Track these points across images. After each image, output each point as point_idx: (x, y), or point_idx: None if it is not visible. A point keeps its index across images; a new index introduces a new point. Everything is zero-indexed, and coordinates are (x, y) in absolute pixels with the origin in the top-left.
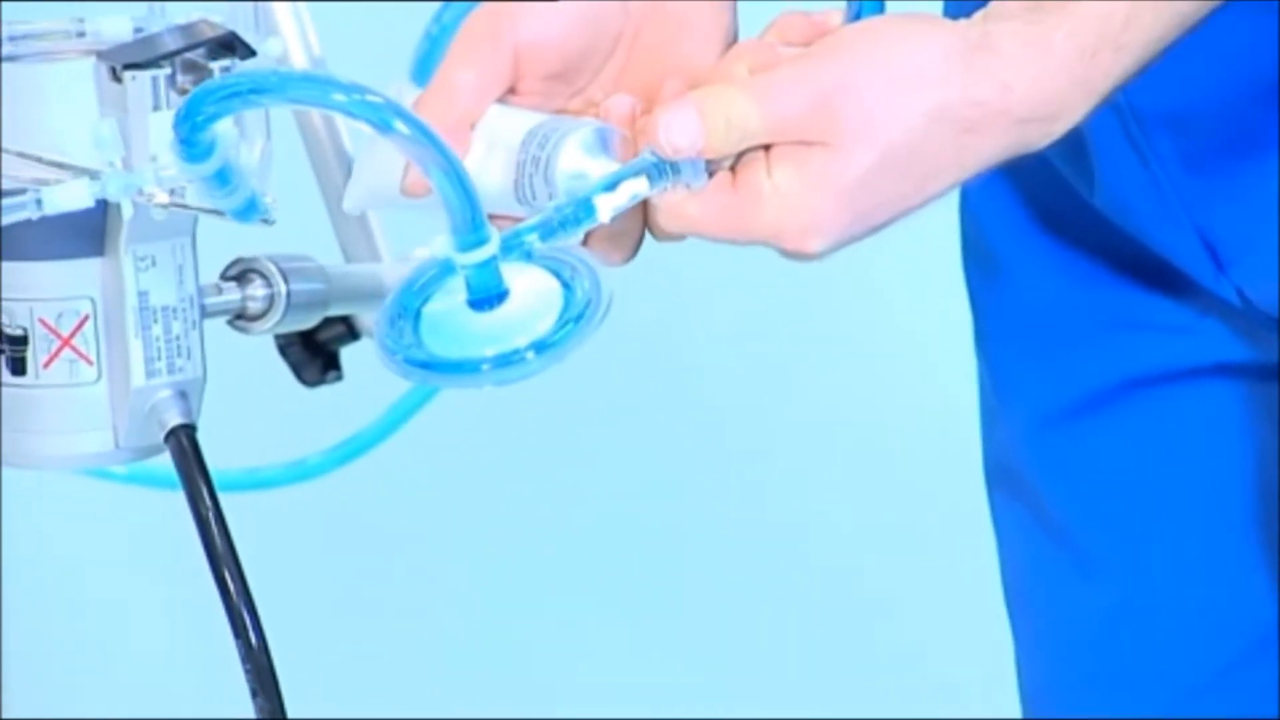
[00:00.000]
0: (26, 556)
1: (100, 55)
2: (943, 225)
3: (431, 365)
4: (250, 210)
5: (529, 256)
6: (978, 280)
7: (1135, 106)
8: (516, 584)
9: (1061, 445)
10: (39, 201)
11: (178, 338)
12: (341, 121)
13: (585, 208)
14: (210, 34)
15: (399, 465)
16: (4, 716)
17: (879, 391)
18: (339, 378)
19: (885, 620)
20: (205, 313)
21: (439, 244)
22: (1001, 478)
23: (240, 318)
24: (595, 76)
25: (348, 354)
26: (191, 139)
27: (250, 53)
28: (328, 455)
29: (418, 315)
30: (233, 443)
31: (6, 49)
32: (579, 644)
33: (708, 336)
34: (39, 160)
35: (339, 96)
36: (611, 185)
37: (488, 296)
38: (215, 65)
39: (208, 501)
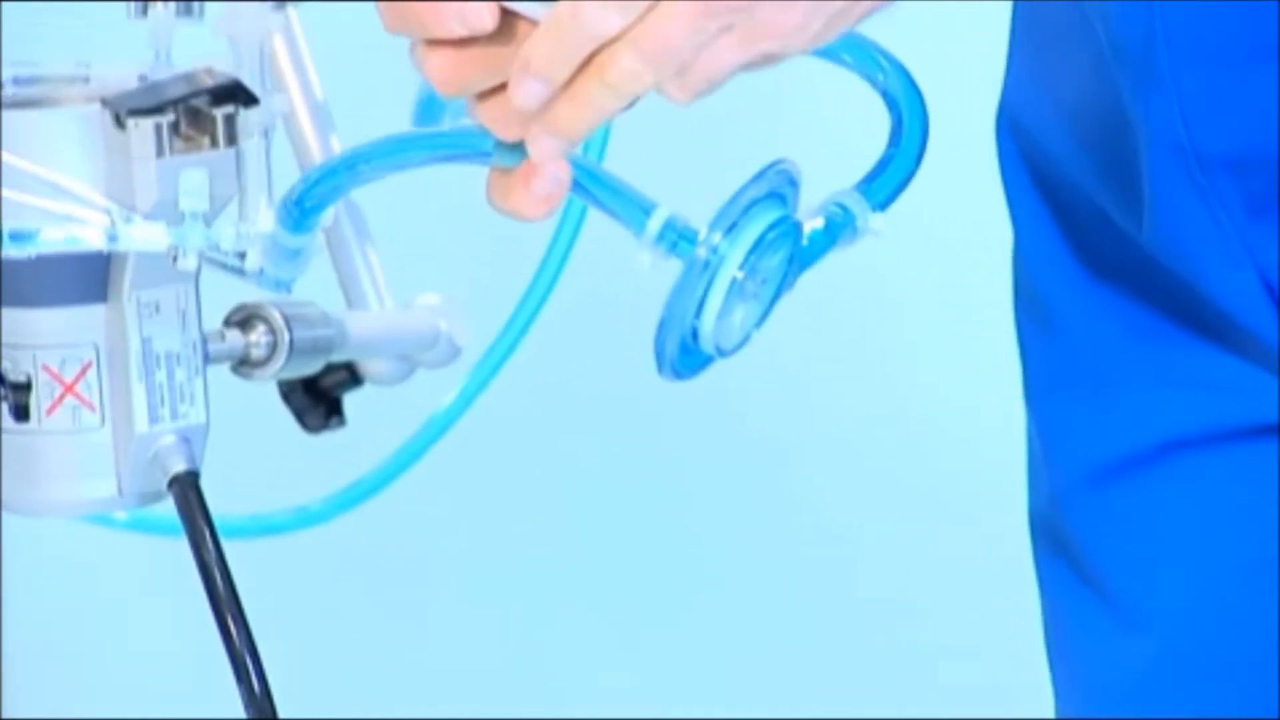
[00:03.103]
0: (26, 556)
1: (104, 101)
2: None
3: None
4: (290, 284)
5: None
6: (1029, 331)
7: (1198, 149)
8: (524, 632)
9: (1106, 502)
10: (113, 236)
11: (181, 384)
12: None
13: None
14: (213, 82)
15: (402, 512)
16: (4, 716)
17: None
18: (342, 424)
19: (900, 623)
20: (209, 359)
21: (647, 247)
22: (1044, 531)
23: (244, 364)
24: None
25: (351, 400)
26: (316, 208)
27: (253, 100)
28: (331, 501)
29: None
30: (236, 489)
31: (9, 93)
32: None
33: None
34: (42, 202)
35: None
36: None
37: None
38: (218, 113)
39: (211, 548)
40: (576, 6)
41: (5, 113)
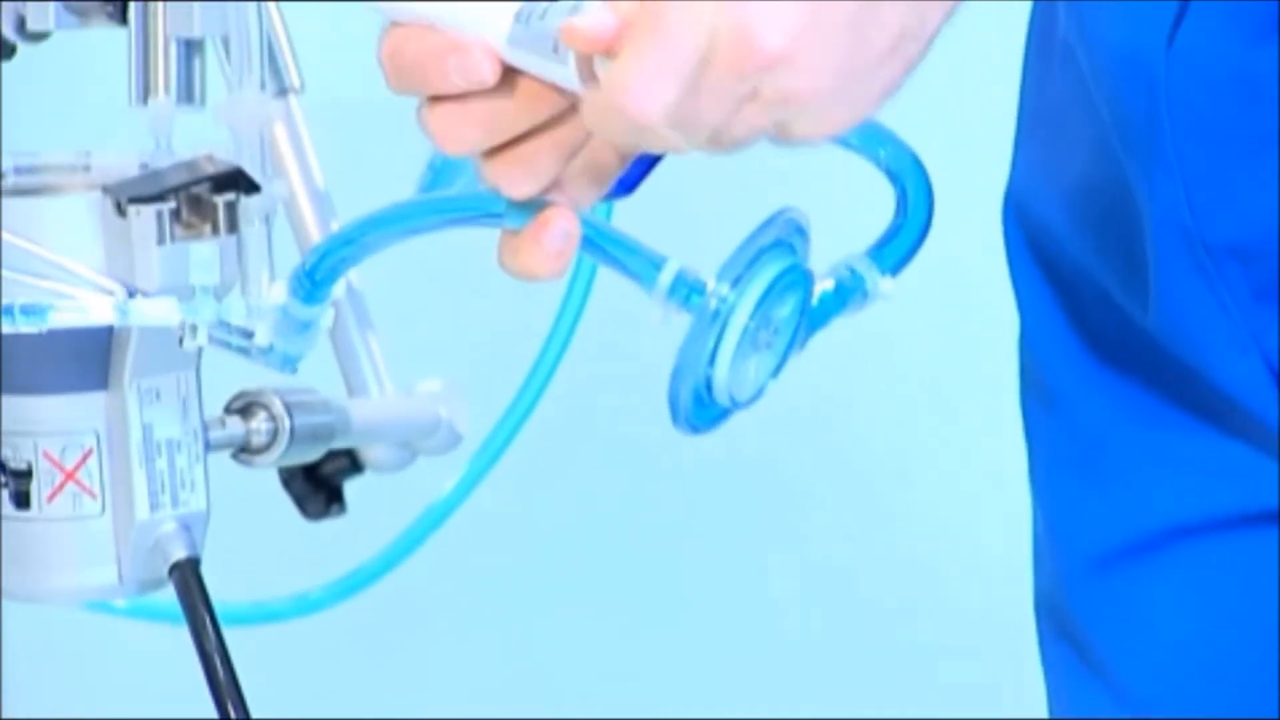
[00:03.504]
0: None
1: (105, 189)
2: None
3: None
4: (298, 360)
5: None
6: (1034, 415)
7: (1203, 234)
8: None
9: (1109, 587)
10: (123, 311)
11: (182, 471)
12: None
13: None
14: (214, 169)
15: (402, 600)
16: (4, 716)
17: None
18: (342, 511)
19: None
20: (209, 446)
21: (659, 301)
22: (1049, 614)
23: (244, 451)
24: None
25: (351, 487)
26: (328, 278)
27: (254, 188)
28: (331, 588)
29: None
30: (236, 575)
31: (10, 181)
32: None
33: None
34: (48, 284)
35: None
36: None
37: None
38: (220, 200)
39: (211, 635)
40: (617, 98)
41: (6, 200)
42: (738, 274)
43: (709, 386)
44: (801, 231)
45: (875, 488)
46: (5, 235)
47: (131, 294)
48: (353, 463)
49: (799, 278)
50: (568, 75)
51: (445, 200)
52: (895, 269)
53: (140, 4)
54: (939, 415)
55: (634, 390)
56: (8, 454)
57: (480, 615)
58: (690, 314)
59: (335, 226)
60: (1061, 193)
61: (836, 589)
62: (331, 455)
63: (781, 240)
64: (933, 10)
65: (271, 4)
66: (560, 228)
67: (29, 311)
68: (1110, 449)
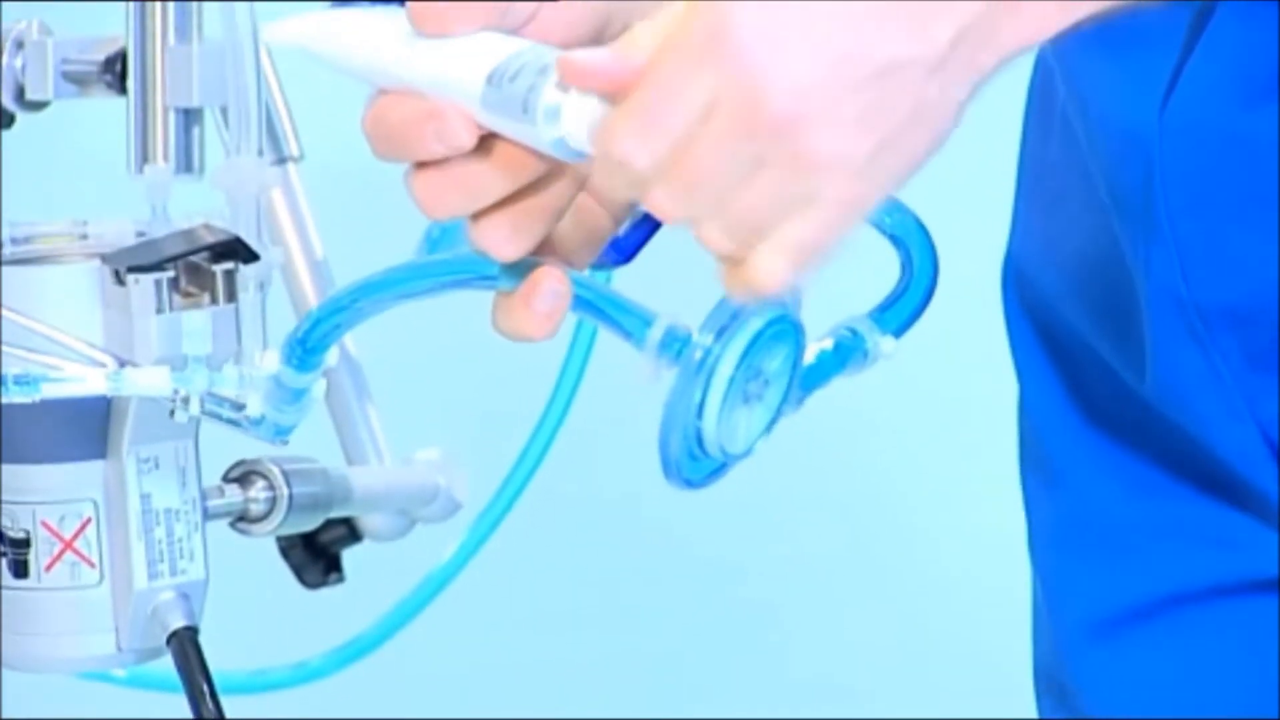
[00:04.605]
0: None
1: (104, 258)
2: None
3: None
4: (289, 431)
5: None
6: (1033, 485)
7: (1198, 301)
8: None
9: (1107, 655)
10: (116, 381)
11: (180, 540)
12: None
13: None
14: (212, 238)
15: (401, 668)
16: (4, 716)
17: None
18: (341, 579)
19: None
20: (208, 515)
21: (650, 356)
22: (1047, 685)
23: (242, 519)
24: None
25: (349, 555)
26: (321, 345)
27: (253, 256)
28: (330, 657)
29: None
30: (235, 644)
31: (8, 251)
32: None
33: None
34: (42, 358)
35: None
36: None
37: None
38: (218, 269)
39: (210, 704)
40: (604, 143)
41: (5, 270)
42: (722, 324)
43: (699, 439)
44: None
45: (876, 495)
46: (5, 309)
47: (122, 364)
48: (351, 531)
49: (787, 328)
50: (538, 136)
51: (438, 264)
52: (900, 330)
53: (138, 73)
54: (935, 423)
55: (634, 458)
56: (6, 523)
57: (480, 683)
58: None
59: None
60: (1059, 259)
61: (836, 588)
62: (330, 524)
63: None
64: (959, 79)
65: (270, 73)
66: (549, 288)
67: (21, 382)
68: (1108, 517)
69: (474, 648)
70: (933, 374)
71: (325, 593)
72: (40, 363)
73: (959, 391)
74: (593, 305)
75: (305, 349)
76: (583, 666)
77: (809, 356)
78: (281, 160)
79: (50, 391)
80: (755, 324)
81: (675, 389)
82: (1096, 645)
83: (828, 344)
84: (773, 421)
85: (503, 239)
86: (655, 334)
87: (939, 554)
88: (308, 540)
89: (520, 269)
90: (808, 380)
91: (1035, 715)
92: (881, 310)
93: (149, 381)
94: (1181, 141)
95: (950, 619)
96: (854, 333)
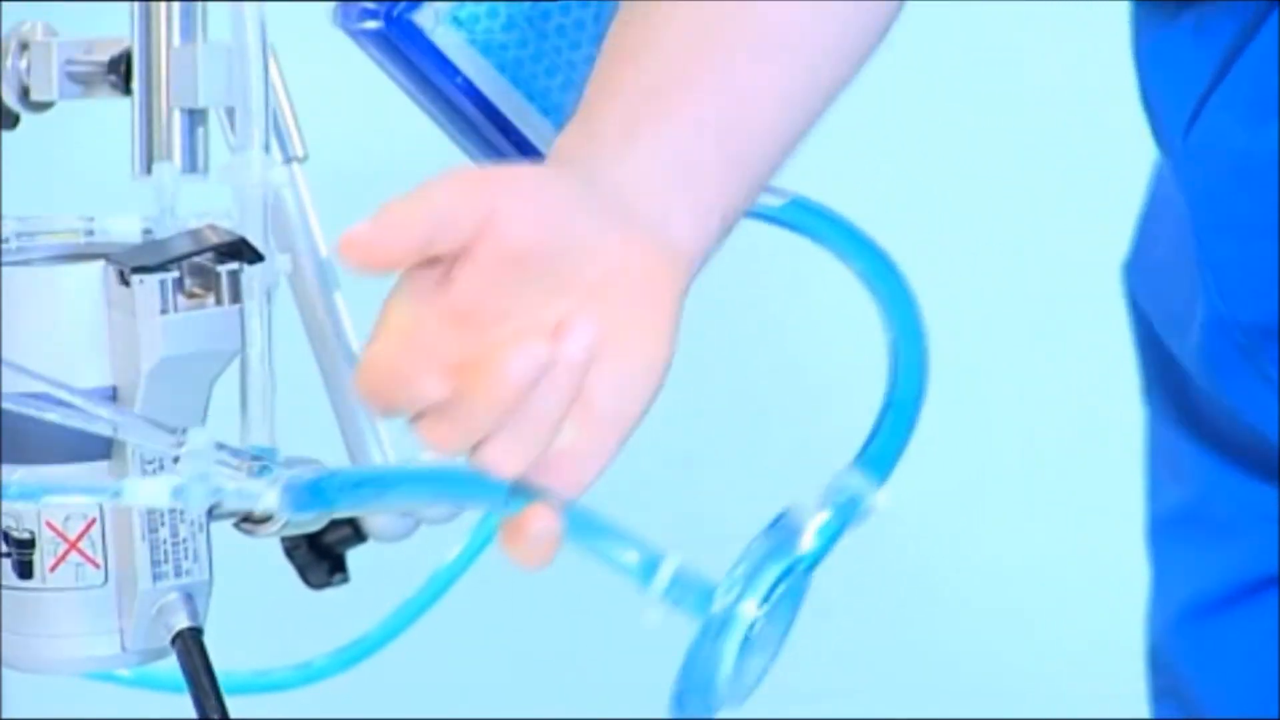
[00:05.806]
0: None
1: (109, 258)
2: None
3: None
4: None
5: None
6: (1159, 474)
7: (1238, 319)
8: None
9: (1207, 638)
10: (118, 494)
11: (184, 541)
12: (349, 321)
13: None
14: (218, 239)
15: (406, 669)
16: (4, 716)
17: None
18: (345, 580)
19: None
20: (212, 515)
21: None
22: (1156, 667)
23: (247, 520)
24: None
25: (354, 556)
26: (326, 506)
27: (258, 257)
28: (334, 658)
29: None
30: (239, 645)
31: (13, 247)
32: None
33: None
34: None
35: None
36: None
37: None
38: (224, 270)
39: (214, 704)
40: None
41: (8, 270)
42: (739, 586)
43: (714, 692)
44: (798, 530)
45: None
46: (7, 310)
47: (115, 393)
48: (355, 532)
49: (793, 565)
50: None
51: (453, 475)
52: (886, 474)
53: (143, 74)
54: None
55: (636, 458)
56: (10, 524)
57: (484, 683)
58: (685, 613)
59: (338, 297)
60: (1150, 273)
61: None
62: (334, 524)
63: (781, 545)
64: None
65: (275, 72)
66: (537, 529)
67: (25, 493)
68: (1210, 502)
69: (479, 648)
70: (931, 374)
71: (329, 593)
72: (39, 361)
73: (958, 391)
74: (589, 542)
75: (302, 504)
76: (586, 667)
77: (808, 542)
78: (286, 160)
79: (50, 506)
80: (769, 578)
81: (694, 650)
82: (1197, 626)
83: (825, 516)
84: (774, 658)
85: (499, 456)
86: (662, 579)
87: (939, 554)
88: (312, 541)
89: (524, 496)
90: (813, 563)
91: (1035, 715)
92: (866, 446)
93: (148, 494)
94: (1203, 164)
95: (950, 619)
96: (845, 492)
